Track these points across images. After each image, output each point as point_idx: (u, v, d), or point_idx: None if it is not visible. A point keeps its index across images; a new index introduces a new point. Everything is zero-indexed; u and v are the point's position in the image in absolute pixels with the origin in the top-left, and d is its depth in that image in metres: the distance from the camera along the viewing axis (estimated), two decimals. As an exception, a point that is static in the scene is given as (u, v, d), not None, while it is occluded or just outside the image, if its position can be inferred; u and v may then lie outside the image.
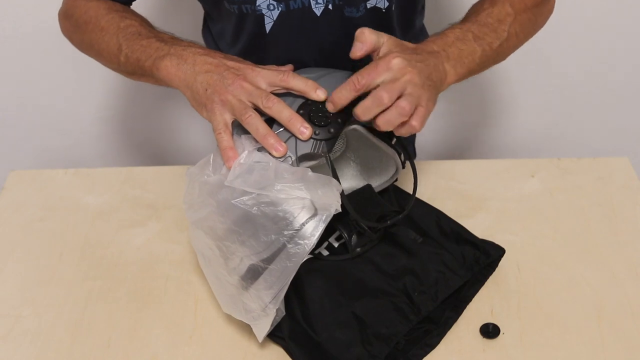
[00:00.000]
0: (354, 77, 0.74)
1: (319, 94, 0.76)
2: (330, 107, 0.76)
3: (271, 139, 0.74)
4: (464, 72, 0.84)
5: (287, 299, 0.81)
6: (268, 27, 0.92)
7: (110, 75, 1.50)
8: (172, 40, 0.85)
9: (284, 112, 0.75)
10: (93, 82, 1.51)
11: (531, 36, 0.96)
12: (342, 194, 0.74)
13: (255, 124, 0.75)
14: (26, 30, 1.41)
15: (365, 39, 0.76)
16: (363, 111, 0.74)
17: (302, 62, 0.92)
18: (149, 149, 1.67)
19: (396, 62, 0.74)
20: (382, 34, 0.78)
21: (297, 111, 0.76)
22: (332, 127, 0.76)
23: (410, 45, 0.80)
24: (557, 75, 1.53)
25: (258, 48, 0.95)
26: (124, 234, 0.97)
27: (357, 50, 0.76)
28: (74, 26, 0.95)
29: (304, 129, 0.75)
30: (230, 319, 0.84)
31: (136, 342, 0.83)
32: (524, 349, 0.81)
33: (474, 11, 0.90)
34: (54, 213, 1.01)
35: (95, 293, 0.89)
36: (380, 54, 0.77)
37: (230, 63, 0.79)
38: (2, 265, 0.93)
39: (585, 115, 1.60)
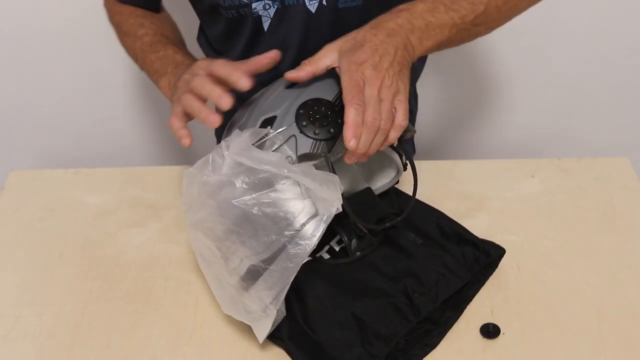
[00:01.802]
0: (353, 120, 0.73)
1: (241, 83, 0.76)
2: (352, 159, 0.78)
3: (204, 112, 0.77)
4: (430, 44, 0.80)
5: (287, 299, 0.81)
6: (266, 26, 0.92)
7: (110, 76, 1.50)
8: (173, 58, 0.91)
9: (205, 86, 0.77)
10: (93, 82, 1.51)
11: (522, 9, 0.91)
12: (342, 196, 0.74)
13: (189, 102, 0.78)
14: (26, 31, 1.41)
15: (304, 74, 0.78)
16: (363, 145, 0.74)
17: (302, 59, 0.91)
18: (149, 149, 1.67)
19: (366, 75, 0.74)
20: (322, 53, 0.78)
21: (298, 110, 0.76)
22: (332, 127, 0.76)
23: (363, 35, 0.77)
24: (557, 75, 1.53)
25: (257, 48, 0.95)
26: (124, 234, 0.97)
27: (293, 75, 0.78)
28: (110, 17, 1.05)
29: (225, 98, 0.75)
30: (230, 319, 0.84)
31: (136, 342, 0.83)
32: (524, 349, 0.81)
33: None
34: (54, 213, 1.01)
35: (95, 293, 0.89)
36: (338, 64, 0.77)
37: (196, 69, 0.82)
38: (2, 265, 0.93)
39: (585, 115, 1.60)
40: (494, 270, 0.89)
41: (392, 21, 0.78)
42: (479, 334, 0.82)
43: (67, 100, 1.54)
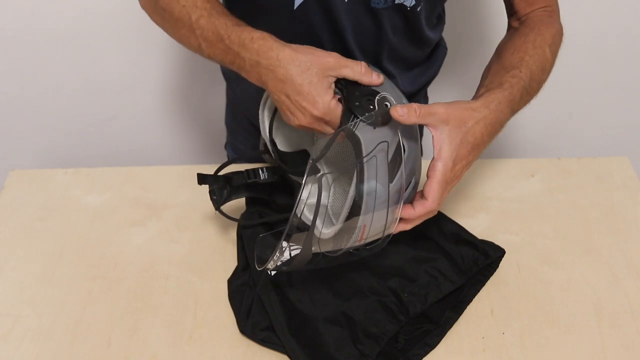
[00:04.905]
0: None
1: (374, 79, 0.77)
2: None
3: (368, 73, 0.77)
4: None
5: (280, 299, 0.81)
6: (297, 3, 0.89)
7: (110, 76, 1.50)
8: (240, 43, 0.80)
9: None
10: (93, 81, 1.51)
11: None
12: None
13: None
14: (26, 30, 1.41)
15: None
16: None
17: (324, 47, 0.90)
18: (149, 149, 1.67)
19: (454, 175, 0.77)
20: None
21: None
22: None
23: (474, 129, 0.77)
24: (557, 75, 1.53)
25: (282, 25, 0.90)
26: (124, 234, 0.97)
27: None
28: (152, 5, 0.90)
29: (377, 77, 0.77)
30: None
31: (136, 342, 0.83)
32: (524, 349, 0.81)
33: (523, 60, 0.89)
34: (54, 213, 1.01)
35: (95, 293, 0.89)
36: (435, 131, 0.76)
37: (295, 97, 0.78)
38: (2, 265, 0.93)
39: (585, 115, 1.60)
40: (495, 271, 0.89)
41: (504, 118, 0.82)
42: (479, 334, 0.82)
43: (67, 100, 1.54)
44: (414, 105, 0.73)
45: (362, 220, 0.73)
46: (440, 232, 0.90)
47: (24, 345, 0.83)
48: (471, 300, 0.86)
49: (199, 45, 0.84)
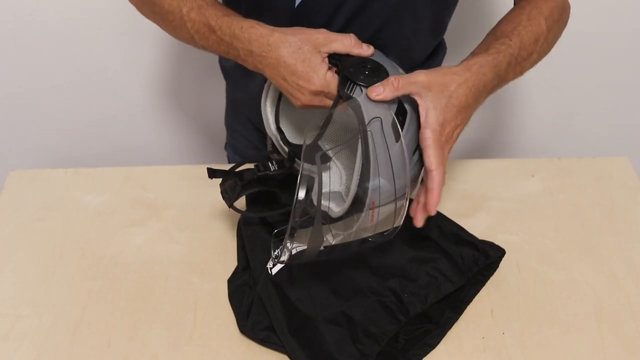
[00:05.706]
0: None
1: (364, 49, 0.78)
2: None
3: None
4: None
5: (280, 298, 0.81)
6: (297, 1, 0.89)
7: (110, 76, 1.50)
8: (231, 34, 0.81)
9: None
10: (94, 82, 1.51)
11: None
12: None
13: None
14: (26, 30, 1.41)
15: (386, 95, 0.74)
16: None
17: None
18: (149, 148, 1.67)
19: (438, 170, 0.75)
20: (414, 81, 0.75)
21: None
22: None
23: (457, 91, 0.76)
24: (557, 75, 1.53)
25: (283, 24, 0.91)
26: (124, 234, 0.97)
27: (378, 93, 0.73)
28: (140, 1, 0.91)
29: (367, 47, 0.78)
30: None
31: (136, 342, 0.83)
32: (524, 349, 0.81)
33: (515, 30, 0.87)
34: (54, 213, 1.01)
35: (95, 293, 0.89)
36: (420, 98, 0.75)
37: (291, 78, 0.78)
38: (2, 265, 0.93)
39: (585, 115, 1.60)
40: (495, 271, 0.89)
41: (487, 80, 0.80)
42: (479, 334, 0.82)
43: (67, 100, 1.54)
44: (391, 78, 0.73)
45: (372, 188, 0.71)
46: (441, 232, 0.90)
47: (24, 345, 0.83)
48: (471, 300, 0.86)
49: (191, 37, 0.84)
